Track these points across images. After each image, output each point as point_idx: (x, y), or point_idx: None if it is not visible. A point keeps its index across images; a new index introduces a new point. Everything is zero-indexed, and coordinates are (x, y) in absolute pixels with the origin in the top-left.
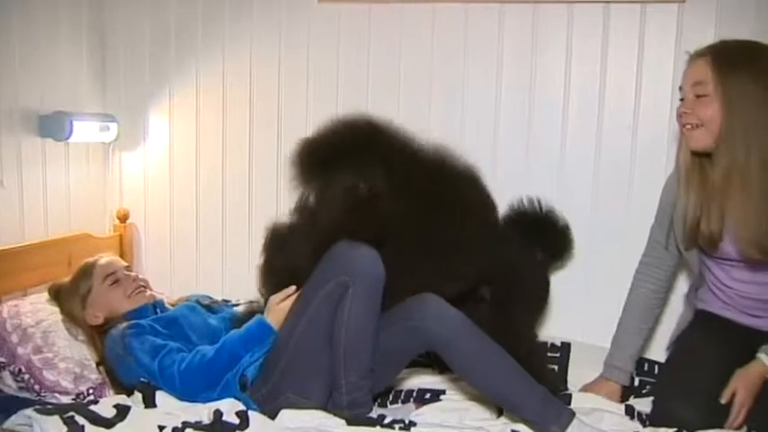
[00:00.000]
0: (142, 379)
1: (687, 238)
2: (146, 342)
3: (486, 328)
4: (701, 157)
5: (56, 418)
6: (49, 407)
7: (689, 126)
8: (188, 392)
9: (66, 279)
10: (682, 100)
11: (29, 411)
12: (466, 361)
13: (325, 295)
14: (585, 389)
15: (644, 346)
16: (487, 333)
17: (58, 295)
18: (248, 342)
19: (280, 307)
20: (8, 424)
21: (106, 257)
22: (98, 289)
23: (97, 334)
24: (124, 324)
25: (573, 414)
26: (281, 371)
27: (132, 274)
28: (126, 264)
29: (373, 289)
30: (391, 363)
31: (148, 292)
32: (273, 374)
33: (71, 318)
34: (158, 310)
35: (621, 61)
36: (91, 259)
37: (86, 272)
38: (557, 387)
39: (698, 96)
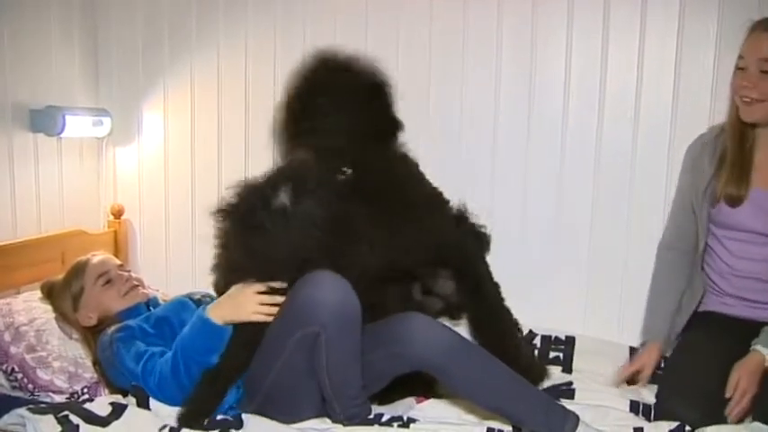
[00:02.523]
0: (134, 383)
1: (710, 194)
2: (132, 347)
3: (474, 325)
4: (745, 125)
5: (50, 417)
6: (43, 406)
7: (747, 99)
8: (169, 400)
9: (59, 278)
10: (740, 69)
11: (22, 411)
12: (460, 383)
13: (296, 343)
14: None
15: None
16: (475, 330)
17: (50, 294)
18: (196, 342)
19: (245, 299)
20: (0, 424)
21: (99, 256)
22: (90, 289)
23: (91, 334)
24: (113, 327)
25: (577, 419)
26: (265, 396)
27: (125, 273)
28: (119, 262)
29: (347, 330)
30: (381, 379)
31: (141, 291)
32: (257, 397)
33: (64, 317)
34: (152, 309)
35: (622, 51)
36: (83, 258)
37: (78, 272)
38: (544, 374)
39: (763, 72)
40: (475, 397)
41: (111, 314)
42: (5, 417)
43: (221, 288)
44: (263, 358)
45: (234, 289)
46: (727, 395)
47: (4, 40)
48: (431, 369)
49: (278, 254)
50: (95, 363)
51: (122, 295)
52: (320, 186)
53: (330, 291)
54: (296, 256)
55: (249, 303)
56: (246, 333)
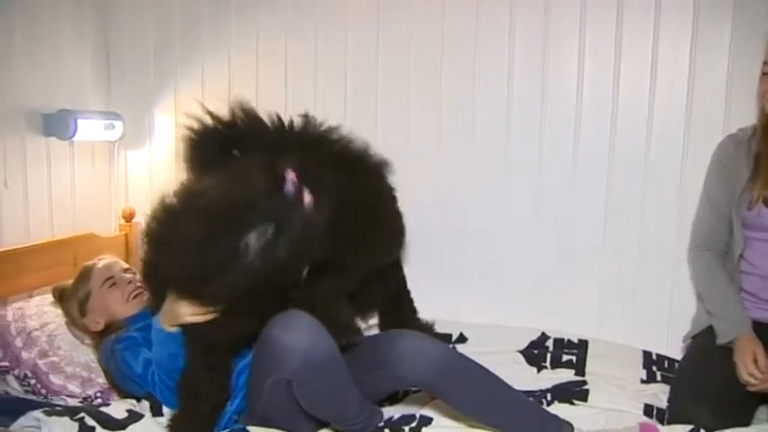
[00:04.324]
0: (147, 390)
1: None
2: (138, 355)
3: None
4: None
5: (65, 419)
6: (59, 408)
7: None
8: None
9: (68, 282)
10: (766, 74)
11: (37, 413)
12: (454, 400)
13: (272, 385)
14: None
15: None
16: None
17: (60, 299)
18: (158, 351)
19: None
20: (16, 426)
21: (105, 260)
22: (97, 293)
23: (100, 339)
24: (112, 336)
25: (572, 428)
26: (261, 416)
27: (130, 275)
28: (126, 266)
29: (320, 373)
30: (378, 395)
31: (146, 296)
32: (256, 415)
33: (73, 322)
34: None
35: (635, 54)
36: (90, 263)
37: (85, 276)
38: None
39: None
40: (469, 413)
41: (117, 319)
42: (21, 419)
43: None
44: (251, 384)
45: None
46: (747, 373)
47: (17, 44)
48: (422, 386)
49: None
50: (106, 371)
51: (127, 300)
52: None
53: (297, 336)
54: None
55: (182, 307)
56: (193, 335)
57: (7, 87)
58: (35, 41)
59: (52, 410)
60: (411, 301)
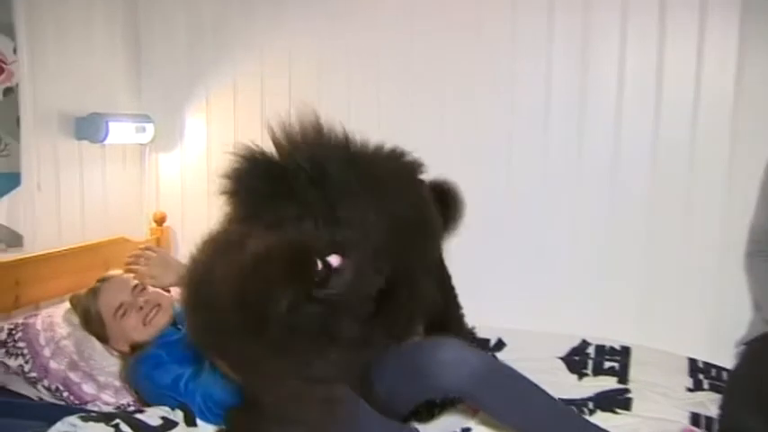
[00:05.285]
0: (180, 401)
1: None
2: (168, 372)
3: None
4: None
5: (101, 425)
6: (94, 414)
7: None
8: (215, 420)
9: (82, 303)
10: None
11: (73, 419)
12: (495, 411)
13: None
14: None
15: None
16: None
17: (82, 324)
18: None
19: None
20: (52, 431)
21: (108, 285)
22: (111, 324)
23: (130, 355)
24: (137, 356)
25: None
26: None
27: (141, 300)
28: (133, 283)
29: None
30: (415, 404)
31: (161, 314)
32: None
33: (101, 342)
34: (180, 326)
35: (680, 51)
36: (91, 297)
37: (93, 313)
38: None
39: None
40: (510, 424)
41: (141, 341)
42: (58, 424)
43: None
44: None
45: None
46: None
47: (50, 49)
48: (463, 397)
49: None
50: (136, 391)
51: (144, 324)
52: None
53: (455, 355)
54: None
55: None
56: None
57: (39, 91)
58: (66, 45)
59: (88, 416)
60: (456, 297)
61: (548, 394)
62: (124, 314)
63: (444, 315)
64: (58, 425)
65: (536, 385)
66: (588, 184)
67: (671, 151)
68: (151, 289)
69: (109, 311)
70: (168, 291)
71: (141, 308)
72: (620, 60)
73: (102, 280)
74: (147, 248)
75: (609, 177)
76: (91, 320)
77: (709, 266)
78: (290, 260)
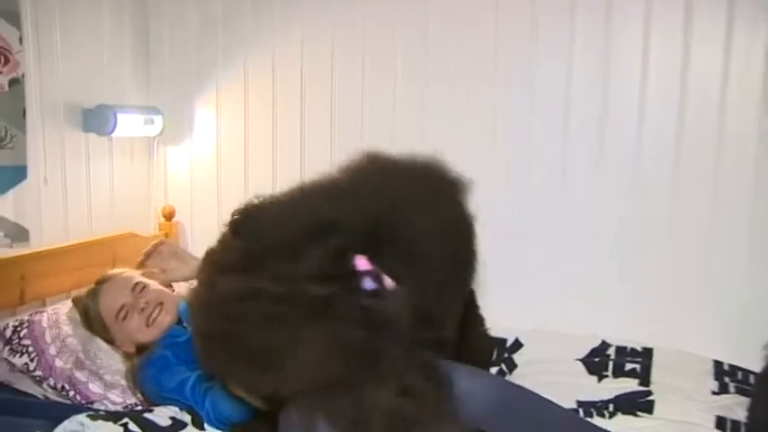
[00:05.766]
0: (189, 405)
1: None
2: (174, 375)
3: None
4: None
5: (110, 424)
6: (102, 412)
7: None
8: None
9: (83, 306)
10: None
11: (82, 417)
12: None
13: None
14: None
15: None
16: None
17: (86, 327)
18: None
19: None
20: (59, 430)
21: (107, 287)
22: (114, 327)
23: (136, 356)
24: (143, 358)
25: None
26: None
27: (142, 302)
28: (134, 282)
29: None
30: None
31: (164, 313)
32: None
33: (107, 343)
34: (185, 324)
35: (707, 42)
36: (91, 300)
37: (95, 316)
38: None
39: None
40: None
41: (146, 342)
42: (66, 423)
43: None
44: None
45: None
46: None
47: (57, 39)
48: (480, 429)
49: None
50: (142, 392)
51: (147, 325)
52: None
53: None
54: None
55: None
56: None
57: (47, 82)
58: (74, 36)
59: (96, 414)
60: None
61: (566, 410)
62: (126, 316)
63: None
64: (66, 423)
65: (553, 403)
66: (610, 180)
67: (696, 149)
68: (153, 287)
69: (110, 314)
70: (172, 288)
71: (143, 309)
72: (643, 57)
73: (101, 281)
74: (160, 243)
75: (632, 170)
76: (93, 323)
77: (737, 266)
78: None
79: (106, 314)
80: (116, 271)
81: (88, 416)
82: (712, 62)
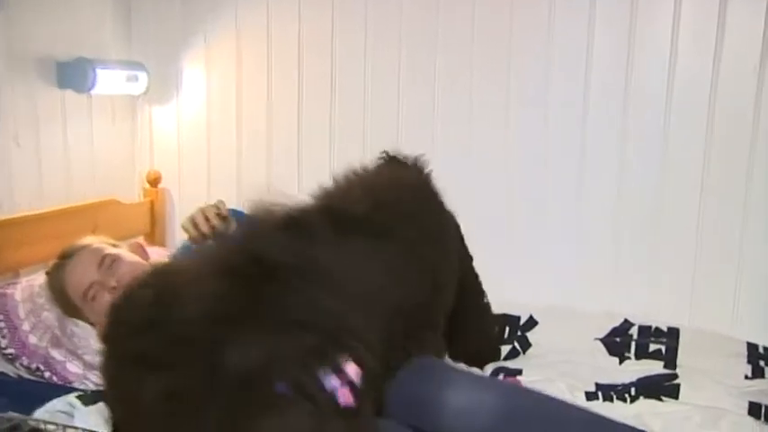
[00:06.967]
0: None
1: None
2: None
3: None
4: None
5: (101, 405)
6: (90, 393)
7: None
8: None
9: (52, 283)
10: None
11: (72, 398)
12: None
13: None
14: None
15: None
16: None
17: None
18: None
19: None
20: (42, 413)
21: (73, 263)
22: (85, 308)
23: None
24: None
25: None
26: None
27: (111, 278)
28: (102, 254)
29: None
30: None
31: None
32: None
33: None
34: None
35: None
36: (57, 277)
37: (63, 297)
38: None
39: None
40: None
41: None
42: (56, 402)
43: None
44: None
45: None
46: None
47: None
48: None
49: None
50: None
51: None
52: None
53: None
54: None
55: None
56: None
57: (17, 31)
58: None
59: (86, 395)
60: (479, 284)
61: (585, 412)
62: (95, 297)
63: (463, 304)
64: (56, 402)
65: (570, 405)
66: (636, 154)
67: (732, 111)
68: (124, 259)
69: (77, 294)
70: (146, 256)
71: (114, 288)
72: (672, 34)
73: (65, 255)
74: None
75: (660, 145)
76: (64, 303)
77: None
78: None
79: (74, 294)
80: (84, 241)
81: (78, 397)
82: (747, 44)
